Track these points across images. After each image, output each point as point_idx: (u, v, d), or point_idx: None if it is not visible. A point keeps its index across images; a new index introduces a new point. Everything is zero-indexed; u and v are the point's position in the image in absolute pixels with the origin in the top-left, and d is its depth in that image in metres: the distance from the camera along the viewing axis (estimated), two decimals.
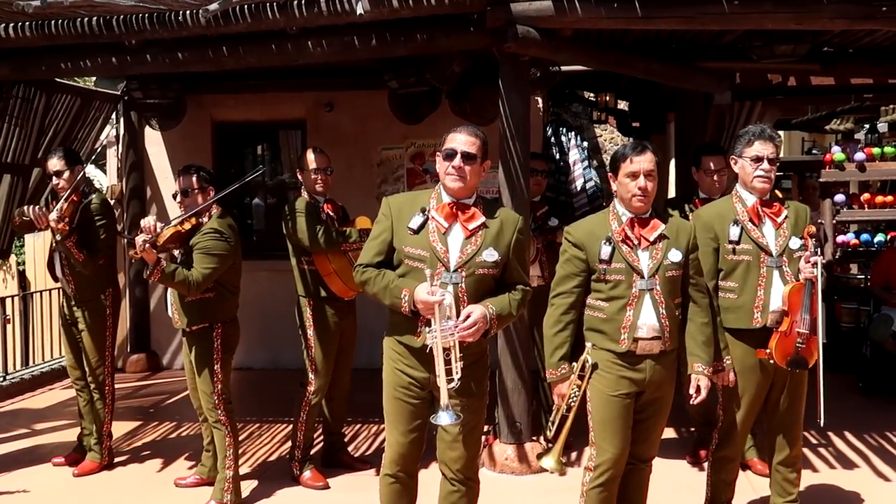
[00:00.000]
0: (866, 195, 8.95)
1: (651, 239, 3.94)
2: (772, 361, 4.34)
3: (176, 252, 5.17)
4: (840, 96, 9.91)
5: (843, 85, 8.06)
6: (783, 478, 4.57)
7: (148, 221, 4.89)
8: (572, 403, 3.99)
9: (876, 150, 8.72)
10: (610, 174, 4.04)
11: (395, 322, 3.88)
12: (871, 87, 8.37)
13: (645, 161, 3.90)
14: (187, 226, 5.13)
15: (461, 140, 3.81)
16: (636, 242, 3.93)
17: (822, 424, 4.32)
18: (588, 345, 4.00)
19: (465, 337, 3.65)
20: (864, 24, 5.43)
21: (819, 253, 4.37)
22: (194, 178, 5.30)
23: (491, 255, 3.79)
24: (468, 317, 3.65)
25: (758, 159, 4.40)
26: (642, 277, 3.90)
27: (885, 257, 7.96)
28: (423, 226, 3.80)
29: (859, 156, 8.61)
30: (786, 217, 4.44)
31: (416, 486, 4.07)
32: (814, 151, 15.42)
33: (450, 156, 3.79)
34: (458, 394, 3.72)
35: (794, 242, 4.40)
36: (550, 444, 4.10)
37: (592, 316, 4.01)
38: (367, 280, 3.85)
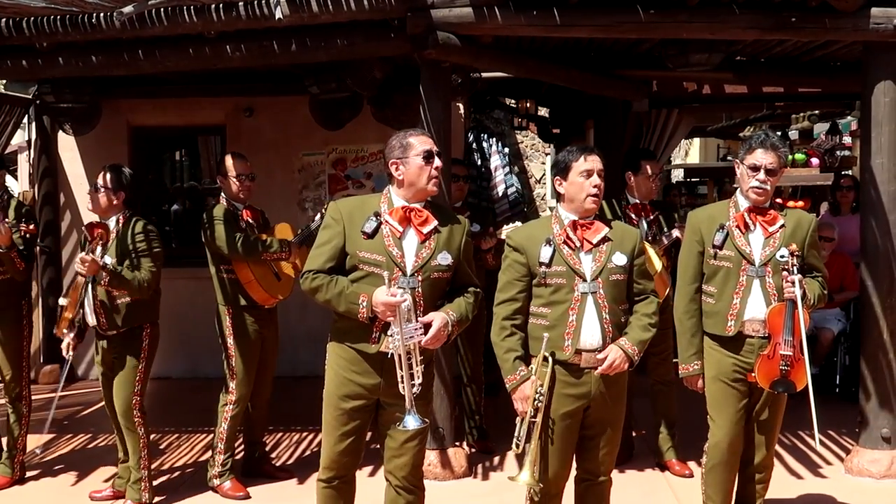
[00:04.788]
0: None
1: (594, 241, 3.87)
2: (758, 385, 4.26)
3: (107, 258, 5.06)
4: (753, 104, 10.22)
5: (756, 93, 8.27)
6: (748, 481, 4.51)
7: (86, 259, 4.78)
8: (539, 405, 3.80)
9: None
10: (557, 178, 3.94)
11: (345, 328, 3.82)
12: (781, 95, 8.61)
13: (596, 160, 3.89)
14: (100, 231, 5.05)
15: (433, 141, 3.89)
16: (578, 245, 3.86)
17: (817, 447, 4.31)
18: (543, 353, 3.83)
19: (429, 344, 3.69)
20: (775, 34, 5.60)
21: (798, 271, 4.17)
22: (107, 178, 5.17)
23: (445, 259, 3.81)
24: (430, 325, 3.68)
25: (755, 168, 4.26)
26: (584, 280, 3.82)
27: None
28: (376, 230, 3.77)
29: None
30: (781, 226, 4.29)
31: (353, 491, 4.04)
32: (728, 158, 15.80)
33: (429, 158, 3.79)
34: (417, 399, 3.72)
35: (784, 253, 4.21)
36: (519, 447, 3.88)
37: (536, 324, 3.90)
38: (319, 287, 3.75)
